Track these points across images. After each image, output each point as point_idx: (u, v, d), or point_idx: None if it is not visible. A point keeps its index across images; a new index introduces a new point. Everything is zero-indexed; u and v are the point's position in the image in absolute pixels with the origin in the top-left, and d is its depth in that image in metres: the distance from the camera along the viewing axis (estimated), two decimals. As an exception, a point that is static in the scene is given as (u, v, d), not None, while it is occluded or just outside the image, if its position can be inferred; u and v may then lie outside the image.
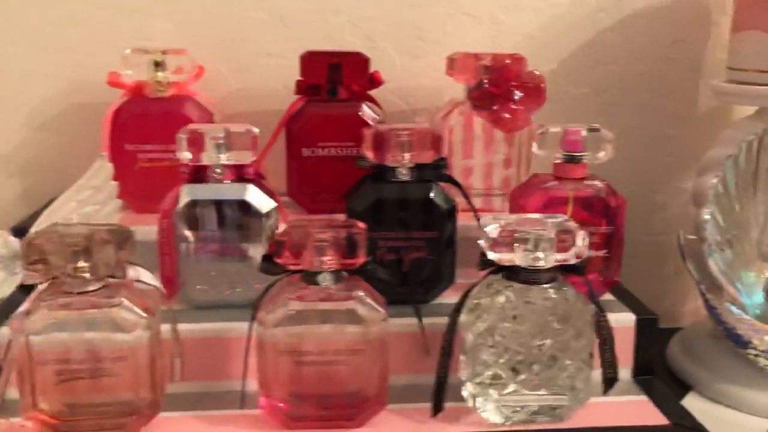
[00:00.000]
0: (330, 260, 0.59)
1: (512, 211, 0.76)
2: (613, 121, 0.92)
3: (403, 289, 0.71)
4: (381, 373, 0.62)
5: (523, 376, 0.62)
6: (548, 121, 0.78)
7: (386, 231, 0.70)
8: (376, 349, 0.61)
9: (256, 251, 0.70)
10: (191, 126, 0.69)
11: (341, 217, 0.62)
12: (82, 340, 0.58)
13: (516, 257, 0.60)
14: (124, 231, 0.59)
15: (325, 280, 0.59)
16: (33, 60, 0.85)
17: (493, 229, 0.60)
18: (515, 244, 0.60)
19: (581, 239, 0.61)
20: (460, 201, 0.72)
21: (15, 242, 0.75)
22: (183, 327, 0.65)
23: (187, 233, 0.68)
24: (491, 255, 0.60)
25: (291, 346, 0.60)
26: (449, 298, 0.74)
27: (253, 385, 0.64)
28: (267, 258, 0.61)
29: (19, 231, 0.76)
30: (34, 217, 0.81)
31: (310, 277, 0.60)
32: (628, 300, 0.76)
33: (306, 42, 0.87)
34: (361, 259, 0.59)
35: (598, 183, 0.73)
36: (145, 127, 0.78)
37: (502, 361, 0.62)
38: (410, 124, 0.75)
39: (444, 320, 0.70)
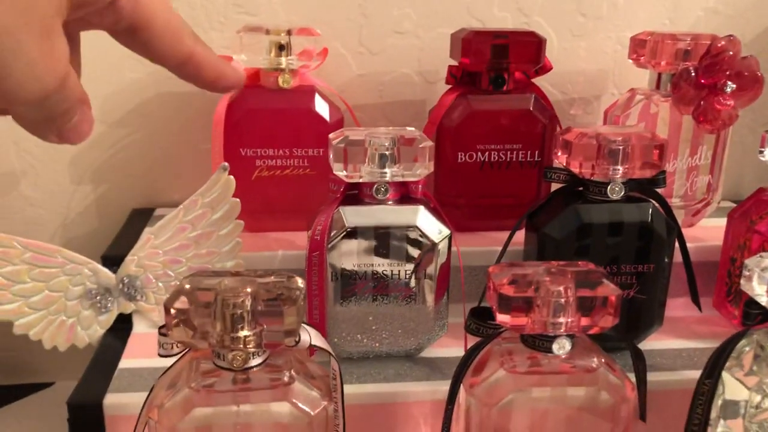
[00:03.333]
0: (570, 322, 0.44)
1: (731, 233, 0.62)
2: (803, 112, 0.77)
3: (603, 335, 0.56)
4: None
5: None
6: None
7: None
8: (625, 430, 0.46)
9: (424, 290, 0.55)
10: (347, 131, 0.54)
11: (569, 263, 0.47)
12: (238, 428, 0.43)
13: (805, 312, 0.46)
14: (293, 281, 0.43)
15: (562, 347, 0.45)
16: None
17: (786, 278, 0.45)
18: (805, 295, 0.45)
19: None
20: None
21: (106, 274, 0.60)
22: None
23: (342, 269, 0.53)
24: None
25: (507, 425, 0.46)
26: (653, 342, 0.60)
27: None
28: (479, 314, 0.46)
29: (110, 260, 0.61)
30: (121, 239, 0.66)
31: (538, 342, 0.45)
32: None
33: (444, 16, 0.71)
34: (611, 321, 0.44)
35: None
36: (266, 128, 0.62)
37: (775, 443, 0.48)
38: (620, 126, 0.59)
39: (658, 376, 0.56)
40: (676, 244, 0.58)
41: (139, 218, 0.71)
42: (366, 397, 0.53)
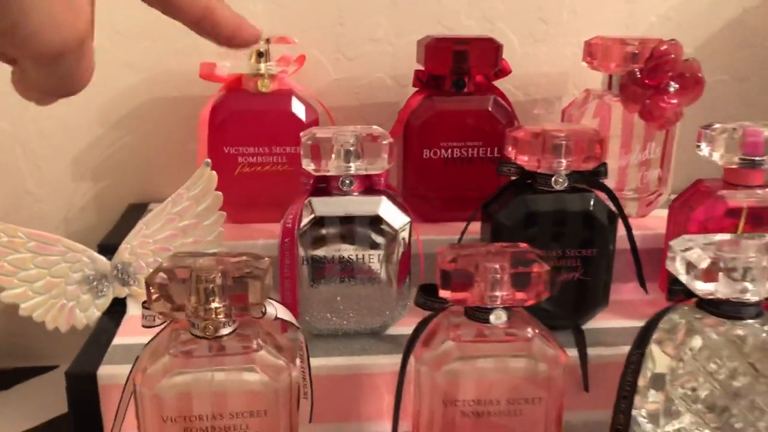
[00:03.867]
0: (505, 295, 0.50)
1: (672, 221, 0.67)
2: (754, 111, 0.82)
3: (552, 313, 0.62)
4: (557, 423, 0.53)
5: (717, 425, 0.53)
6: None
7: (538, 249, 0.60)
8: (555, 396, 0.52)
9: (387, 273, 0.60)
10: (315, 130, 0.60)
11: (511, 244, 0.53)
12: (213, 393, 0.49)
13: (720, 288, 0.51)
14: (261, 262, 0.49)
15: (499, 318, 0.50)
16: (108, 48, 0.75)
17: (699, 256, 0.50)
18: (719, 273, 0.51)
19: (793, 265, 0.51)
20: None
21: (102, 261, 0.66)
22: (312, 362, 0.56)
23: (312, 253, 0.59)
24: (700, 286, 0.50)
25: (453, 391, 0.51)
26: (601, 322, 0.66)
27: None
28: (427, 290, 0.52)
29: (106, 248, 0.67)
30: (117, 230, 0.72)
31: (478, 314, 0.51)
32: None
33: (414, 25, 0.76)
34: (542, 294, 0.50)
35: (778, 191, 0.63)
36: (247, 127, 0.68)
37: (695, 407, 0.53)
38: (565, 124, 0.65)
39: (602, 351, 0.62)
40: (624, 232, 0.64)
41: (135, 212, 0.77)
42: (334, 369, 0.59)
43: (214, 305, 0.47)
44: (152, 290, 0.48)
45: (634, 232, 0.67)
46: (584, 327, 0.65)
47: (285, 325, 0.56)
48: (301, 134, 0.59)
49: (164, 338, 0.50)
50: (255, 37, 0.35)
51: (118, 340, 0.62)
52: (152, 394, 0.48)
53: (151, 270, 0.68)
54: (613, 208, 0.62)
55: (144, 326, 0.50)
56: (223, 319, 0.48)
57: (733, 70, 0.82)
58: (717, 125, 0.63)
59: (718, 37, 0.80)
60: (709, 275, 0.51)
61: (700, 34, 0.80)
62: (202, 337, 0.49)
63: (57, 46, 0.27)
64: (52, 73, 0.29)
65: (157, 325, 0.50)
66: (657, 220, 0.74)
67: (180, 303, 0.48)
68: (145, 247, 0.66)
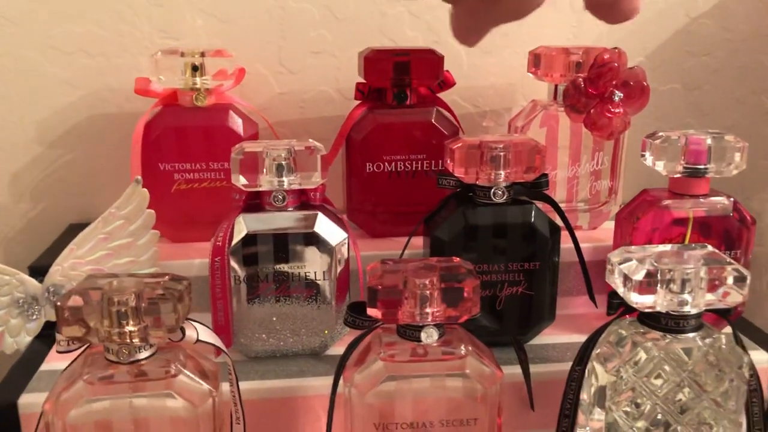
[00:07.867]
0: (436, 312, 0.48)
1: (619, 233, 0.66)
2: (705, 119, 0.81)
3: (496, 329, 0.60)
4: (494, 444, 0.51)
5: (661, 441, 0.52)
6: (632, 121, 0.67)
7: (479, 263, 0.59)
8: (491, 416, 0.50)
9: (324, 291, 0.58)
10: (246, 144, 0.58)
11: (444, 258, 0.51)
12: (131, 420, 0.47)
13: (658, 300, 0.49)
14: (180, 283, 0.47)
15: (430, 336, 0.48)
16: (44, 64, 0.73)
17: (635, 268, 0.49)
18: (657, 286, 0.49)
19: (732, 277, 0.50)
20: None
21: (33, 284, 0.64)
22: (243, 385, 0.54)
23: (245, 272, 0.57)
24: (635, 298, 0.49)
25: (386, 413, 0.49)
26: (549, 337, 0.64)
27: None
28: (355, 308, 0.50)
29: (37, 270, 0.65)
30: (52, 251, 0.70)
31: (409, 332, 0.49)
32: (755, 335, 0.65)
33: (358, 37, 0.75)
34: (473, 310, 0.48)
35: (723, 200, 0.62)
36: (183, 143, 0.66)
37: (638, 425, 0.51)
38: (504, 135, 0.63)
39: (548, 367, 0.60)
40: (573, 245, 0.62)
41: (74, 232, 0.74)
42: (268, 393, 0.57)
43: (128, 328, 0.45)
44: (65, 314, 0.45)
45: (584, 245, 0.66)
46: (531, 343, 0.63)
47: (218, 350, 0.54)
48: (232, 149, 0.57)
49: (79, 364, 0.48)
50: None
51: (46, 366, 0.60)
52: (64, 423, 0.46)
53: (83, 292, 0.66)
54: (558, 220, 0.61)
55: (59, 352, 0.47)
56: (139, 343, 0.46)
57: (684, 79, 0.81)
58: (661, 134, 0.62)
59: (668, 46, 0.79)
60: (645, 287, 0.49)
61: (649, 43, 0.79)
62: (117, 362, 0.46)
63: None
64: None
65: (74, 350, 0.48)
66: (607, 231, 0.72)
67: (94, 326, 0.46)
68: (78, 268, 0.64)
